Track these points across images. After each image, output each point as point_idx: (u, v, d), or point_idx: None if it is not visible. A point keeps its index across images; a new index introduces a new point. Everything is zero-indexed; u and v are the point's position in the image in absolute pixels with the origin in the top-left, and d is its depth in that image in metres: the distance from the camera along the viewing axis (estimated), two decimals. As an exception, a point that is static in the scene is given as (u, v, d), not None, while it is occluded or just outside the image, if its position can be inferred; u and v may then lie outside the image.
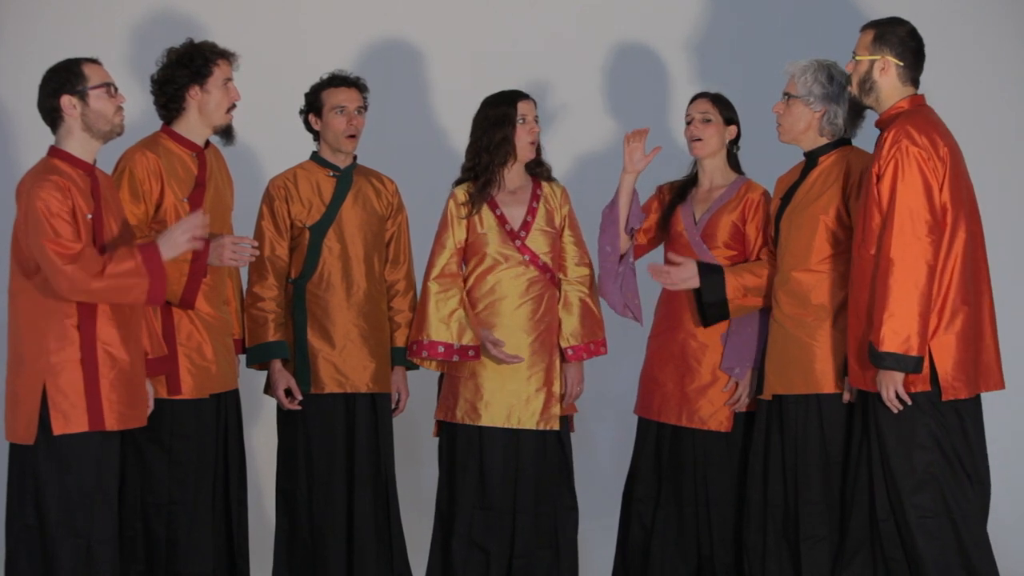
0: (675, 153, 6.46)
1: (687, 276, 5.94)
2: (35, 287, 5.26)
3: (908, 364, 5.34)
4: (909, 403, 5.40)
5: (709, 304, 5.94)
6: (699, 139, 6.10)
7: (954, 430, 5.47)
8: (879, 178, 5.42)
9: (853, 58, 5.58)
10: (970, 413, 5.50)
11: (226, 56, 5.85)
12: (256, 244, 5.86)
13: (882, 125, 5.58)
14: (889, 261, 5.35)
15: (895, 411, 5.42)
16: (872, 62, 5.55)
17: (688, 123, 6.12)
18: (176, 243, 5.35)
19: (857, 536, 5.57)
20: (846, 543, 5.60)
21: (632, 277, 6.11)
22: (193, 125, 5.85)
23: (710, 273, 5.94)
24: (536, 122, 6.08)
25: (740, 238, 6.08)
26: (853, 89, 5.59)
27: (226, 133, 5.91)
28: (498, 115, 6.06)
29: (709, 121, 6.09)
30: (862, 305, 5.49)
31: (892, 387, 5.39)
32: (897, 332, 5.33)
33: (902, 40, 5.55)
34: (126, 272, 5.20)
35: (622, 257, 6.10)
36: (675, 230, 6.12)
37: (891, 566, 5.51)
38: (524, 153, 6.09)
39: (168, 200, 5.77)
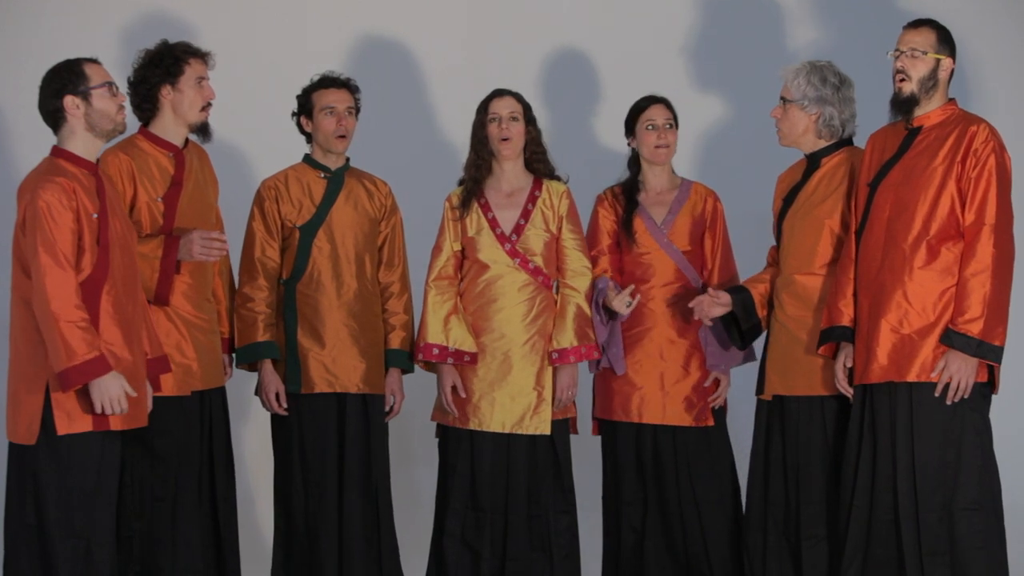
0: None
1: (724, 303, 5.95)
2: (37, 287, 5.25)
3: (998, 354, 5.42)
4: (967, 395, 5.44)
5: (747, 329, 5.98)
6: (667, 145, 6.15)
7: (989, 423, 5.54)
8: (962, 174, 5.45)
9: (908, 54, 5.55)
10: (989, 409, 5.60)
11: (198, 55, 5.85)
12: (225, 238, 5.82)
13: (926, 124, 5.58)
14: (991, 255, 5.40)
15: (950, 402, 5.43)
16: (938, 61, 5.57)
17: (650, 129, 6.15)
18: (115, 395, 5.21)
19: (856, 540, 5.58)
20: (846, 547, 5.59)
21: (617, 328, 6.13)
22: (168, 125, 5.86)
23: (738, 294, 5.97)
24: (515, 120, 6.08)
25: (700, 237, 6.18)
26: (911, 86, 5.56)
27: (202, 131, 5.90)
28: (477, 116, 6.14)
29: (671, 126, 6.16)
30: (913, 297, 5.48)
31: (968, 377, 5.41)
32: (999, 323, 5.40)
33: (954, 47, 5.60)
34: (69, 345, 5.11)
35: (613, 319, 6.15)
36: (638, 236, 6.16)
37: (907, 563, 5.49)
38: (499, 152, 6.11)
39: (141, 199, 5.78)
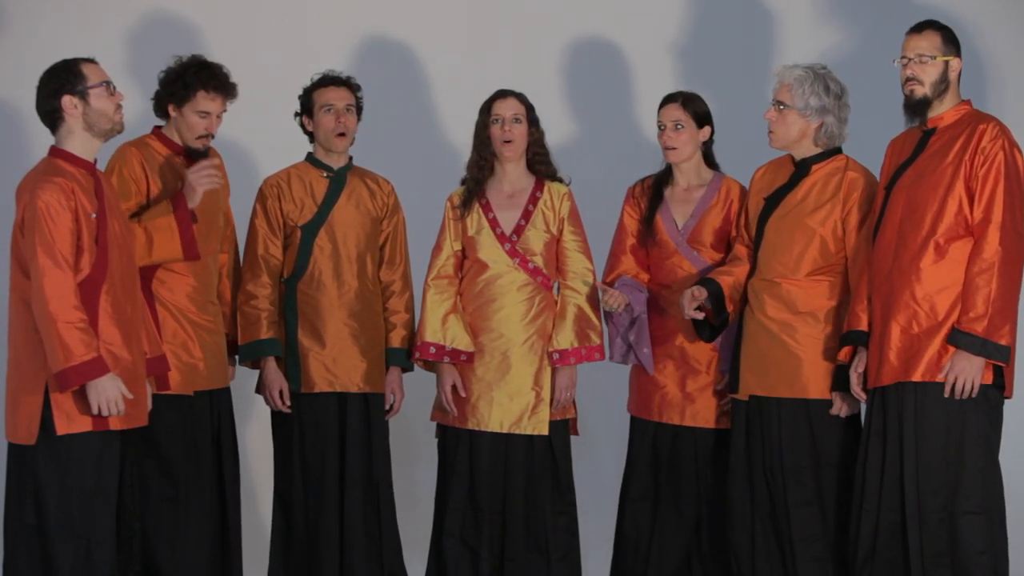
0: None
1: (700, 298, 5.85)
2: (36, 286, 5.25)
3: (1004, 354, 5.36)
4: (974, 395, 5.38)
5: (720, 324, 5.92)
6: (673, 148, 6.06)
7: (997, 427, 5.49)
8: (970, 173, 5.41)
9: (916, 60, 5.51)
10: (1001, 415, 5.53)
11: (212, 89, 5.84)
12: (208, 163, 5.80)
13: (940, 124, 5.55)
14: (996, 253, 5.35)
15: (958, 401, 5.38)
16: (947, 63, 5.53)
17: (661, 129, 6.09)
18: (112, 396, 5.21)
19: (867, 544, 5.53)
20: (858, 549, 5.55)
21: (644, 327, 6.06)
22: (174, 135, 5.92)
23: (708, 286, 5.88)
24: (518, 121, 6.08)
25: (726, 239, 6.09)
26: (924, 89, 5.52)
27: (194, 154, 5.91)
28: (479, 117, 6.14)
29: (681, 128, 6.05)
30: (921, 298, 5.44)
31: (973, 376, 5.35)
32: (1004, 321, 5.33)
33: (958, 43, 5.56)
34: (67, 346, 5.12)
35: (633, 319, 6.08)
36: (659, 236, 6.12)
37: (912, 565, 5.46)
38: (501, 154, 6.11)
39: (154, 194, 5.83)
